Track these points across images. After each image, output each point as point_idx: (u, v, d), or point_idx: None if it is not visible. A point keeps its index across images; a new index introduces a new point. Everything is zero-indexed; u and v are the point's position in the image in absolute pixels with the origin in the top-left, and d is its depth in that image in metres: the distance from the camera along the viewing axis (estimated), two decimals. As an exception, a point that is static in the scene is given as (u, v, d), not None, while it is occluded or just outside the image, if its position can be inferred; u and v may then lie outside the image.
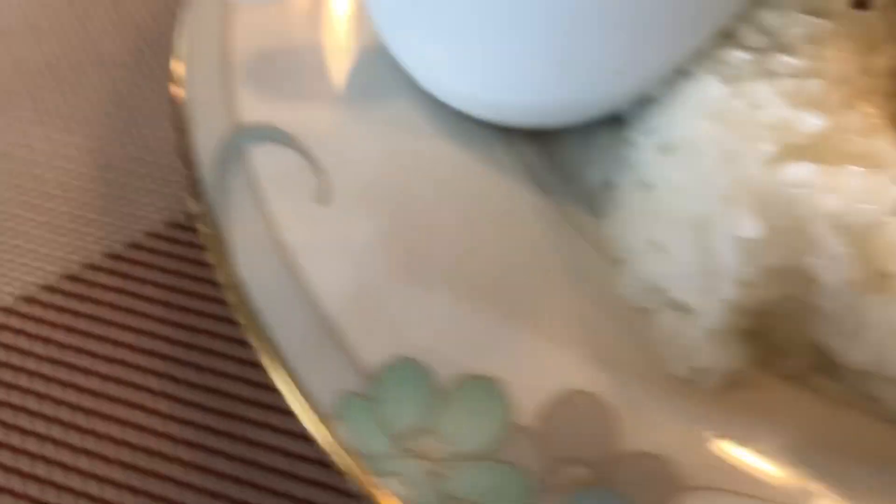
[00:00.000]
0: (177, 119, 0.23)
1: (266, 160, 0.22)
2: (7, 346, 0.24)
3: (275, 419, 0.22)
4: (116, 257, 0.25)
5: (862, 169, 0.18)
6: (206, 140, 0.22)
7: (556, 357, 0.19)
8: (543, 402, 0.19)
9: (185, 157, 0.22)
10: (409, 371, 0.19)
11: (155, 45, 0.29)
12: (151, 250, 0.25)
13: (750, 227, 0.18)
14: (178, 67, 0.24)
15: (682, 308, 0.20)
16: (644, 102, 0.23)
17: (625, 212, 0.22)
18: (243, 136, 0.22)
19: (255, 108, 0.23)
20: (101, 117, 0.28)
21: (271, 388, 0.22)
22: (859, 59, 0.20)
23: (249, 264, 0.20)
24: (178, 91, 0.23)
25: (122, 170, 0.27)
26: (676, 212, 0.20)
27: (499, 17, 0.20)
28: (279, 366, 0.19)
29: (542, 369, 0.19)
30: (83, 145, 0.27)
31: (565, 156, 0.24)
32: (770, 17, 0.21)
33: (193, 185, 0.21)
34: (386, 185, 0.22)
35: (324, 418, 0.18)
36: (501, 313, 0.20)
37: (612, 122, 0.24)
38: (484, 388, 0.19)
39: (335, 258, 0.21)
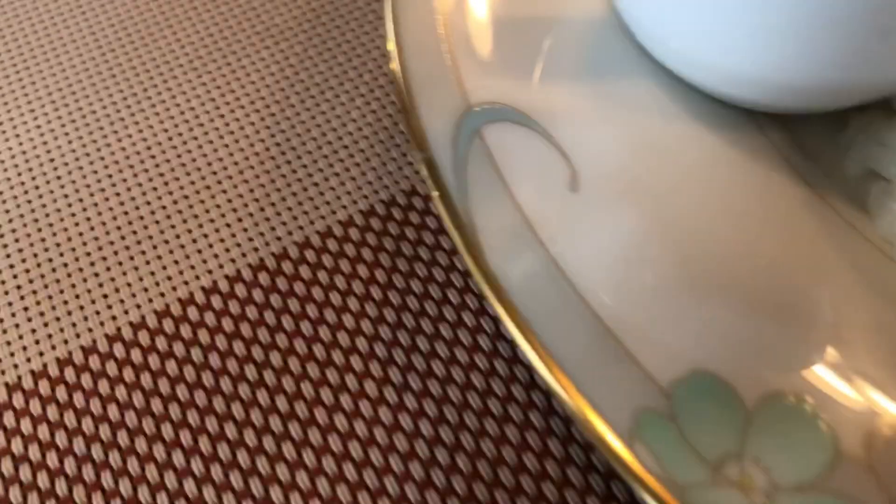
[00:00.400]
0: (400, 98, 0.20)
1: (505, 142, 0.20)
2: (187, 341, 0.21)
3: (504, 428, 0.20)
4: (307, 245, 0.22)
5: None
6: (438, 121, 0.20)
7: (869, 375, 0.17)
8: (868, 429, 0.16)
9: (417, 138, 0.19)
10: (709, 388, 0.16)
11: (325, 14, 0.27)
12: (344, 239, 0.23)
13: None
14: (391, 41, 0.21)
15: None
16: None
17: (913, 209, 0.19)
18: (478, 116, 0.20)
19: (484, 86, 0.21)
20: (273, 93, 0.25)
21: (490, 393, 0.19)
22: None
23: (505, 257, 0.18)
24: (396, 67, 0.21)
25: (304, 151, 0.24)
26: None
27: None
28: (562, 378, 0.16)
29: (857, 390, 0.17)
30: (259, 124, 0.25)
31: (818, 143, 0.22)
32: None
33: (431, 169, 0.19)
34: (637, 173, 0.20)
35: (627, 441, 0.16)
36: (797, 324, 0.18)
37: (864, 106, 0.22)
38: (798, 410, 0.16)
39: (599, 254, 0.18)
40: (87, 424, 0.20)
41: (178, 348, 0.21)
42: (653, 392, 0.16)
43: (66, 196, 0.24)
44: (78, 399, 0.20)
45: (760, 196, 0.20)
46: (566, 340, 0.17)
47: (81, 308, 0.22)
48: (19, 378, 0.21)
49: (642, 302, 0.17)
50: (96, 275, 0.22)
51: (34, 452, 0.20)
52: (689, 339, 0.17)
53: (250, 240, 0.23)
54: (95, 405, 0.20)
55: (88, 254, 0.23)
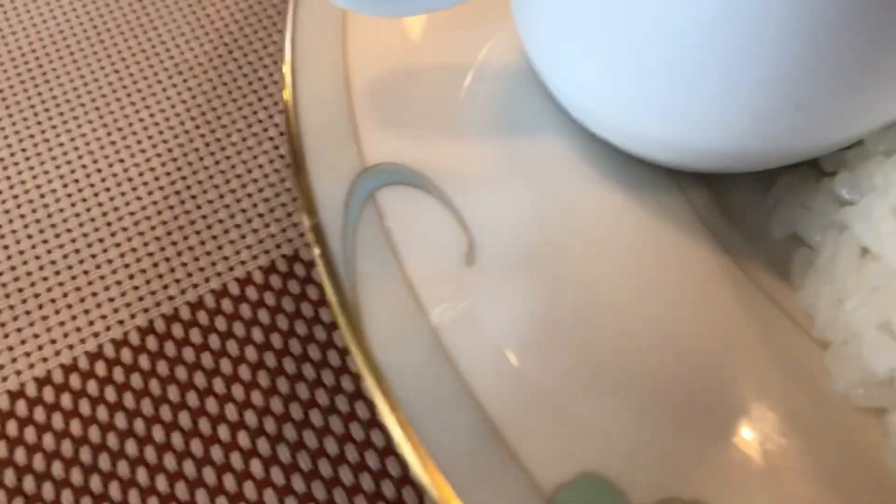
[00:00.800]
0: (293, 154, 0.19)
1: (400, 208, 0.18)
2: (67, 412, 0.20)
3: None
4: (200, 306, 0.21)
5: None
6: (328, 182, 0.18)
7: (772, 474, 0.16)
8: (770, 536, 0.15)
9: (306, 201, 0.18)
10: (597, 493, 0.15)
11: (237, 49, 0.26)
12: (240, 299, 0.21)
13: None
14: (287, 92, 0.20)
15: (926, 414, 0.16)
16: (851, 148, 0.19)
17: (836, 283, 0.18)
18: (373, 178, 0.18)
19: (383, 143, 0.19)
20: (177, 135, 0.24)
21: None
22: None
23: (390, 344, 0.16)
24: (291, 121, 0.19)
25: (205, 200, 0.23)
26: (921, 294, 0.16)
27: (704, 43, 0.15)
28: (438, 479, 0.15)
29: (757, 491, 0.15)
30: (159, 170, 0.23)
31: (743, 203, 0.20)
32: None
33: (318, 239, 0.17)
34: (540, 243, 0.18)
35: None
36: (698, 418, 0.16)
37: (794, 165, 0.20)
38: (693, 516, 0.15)
39: (491, 339, 0.17)
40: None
41: (57, 420, 0.20)
42: (536, 498, 0.15)
43: (-51, 249, 0.22)
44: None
45: (675, 267, 0.18)
46: (447, 437, 0.16)
47: (-44, 374, 0.20)
48: None
49: (534, 394, 0.16)
50: (-24, 336, 0.21)
51: None
52: (582, 436, 0.16)
53: (141, 299, 0.21)
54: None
55: (-31, 313, 0.21)
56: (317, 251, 0.18)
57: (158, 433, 0.19)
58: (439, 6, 0.18)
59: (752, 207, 0.20)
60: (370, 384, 0.16)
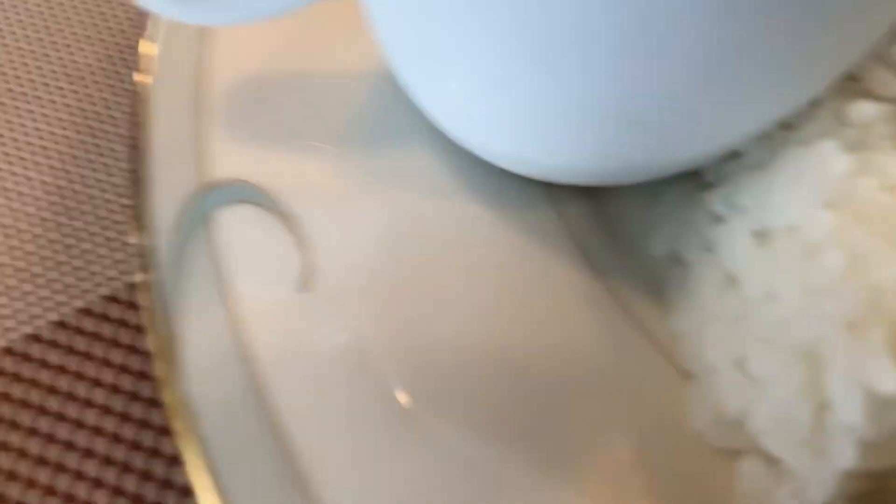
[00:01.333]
0: (133, 167, 0.18)
1: (236, 230, 0.17)
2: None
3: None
4: (62, 326, 0.20)
5: None
6: (165, 198, 0.17)
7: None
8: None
9: (138, 219, 0.17)
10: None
11: (129, 55, 0.24)
12: (104, 318, 0.20)
13: (891, 379, 0.12)
14: (143, 98, 0.18)
15: (776, 461, 0.15)
16: (733, 158, 0.17)
17: (700, 310, 0.16)
18: (212, 196, 0.17)
19: (230, 159, 0.18)
20: (70, 144, 0.23)
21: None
22: None
23: (204, 382, 0.15)
24: (138, 131, 0.18)
25: (80, 212, 0.22)
26: (774, 329, 0.15)
27: (529, 56, 0.14)
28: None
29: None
30: (46, 184, 0.22)
31: (620, 219, 0.19)
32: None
33: (144, 262, 0.16)
34: (393, 266, 0.17)
35: None
36: (537, 458, 0.15)
37: (682, 176, 0.19)
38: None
39: (311, 376, 0.16)
40: None
41: None
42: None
43: None
44: None
45: (537, 291, 0.17)
46: (251, 483, 0.14)
47: None
48: None
49: (346, 435, 0.15)
50: None
51: None
52: (398, 478, 0.15)
53: (4, 318, 0.20)
54: None
55: None
56: (140, 275, 0.16)
57: (5, 461, 0.19)
58: (268, 13, 0.16)
59: (634, 222, 0.19)
60: (177, 428, 0.15)
